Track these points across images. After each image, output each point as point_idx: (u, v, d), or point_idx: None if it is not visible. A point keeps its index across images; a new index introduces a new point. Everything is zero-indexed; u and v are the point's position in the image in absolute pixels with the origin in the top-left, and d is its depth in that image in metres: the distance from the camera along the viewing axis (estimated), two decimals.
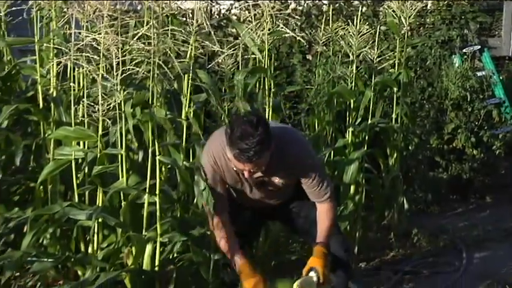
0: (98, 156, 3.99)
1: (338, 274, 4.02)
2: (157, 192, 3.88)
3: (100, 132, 3.95)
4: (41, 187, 4.30)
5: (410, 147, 6.60)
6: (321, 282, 3.66)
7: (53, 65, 4.28)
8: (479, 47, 8.36)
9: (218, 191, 3.76)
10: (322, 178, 3.83)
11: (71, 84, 4.29)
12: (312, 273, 3.69)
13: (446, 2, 10.11)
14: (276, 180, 3.78)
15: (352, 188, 5.35)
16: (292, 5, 9.01)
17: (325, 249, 3.75)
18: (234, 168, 3.62)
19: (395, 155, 5.87)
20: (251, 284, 3.68)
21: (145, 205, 3.91)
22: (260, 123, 3.48)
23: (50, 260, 3.95)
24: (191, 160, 4.27)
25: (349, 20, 5.77)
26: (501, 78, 8.43)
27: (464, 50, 8.08)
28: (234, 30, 7.05)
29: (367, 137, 5.45)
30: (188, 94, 4.22)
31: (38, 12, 4.42)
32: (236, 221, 3.87)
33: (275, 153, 3.62)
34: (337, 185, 5.28)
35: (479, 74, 7.67)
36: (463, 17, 9.21)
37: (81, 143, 4.14)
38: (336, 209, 4.07)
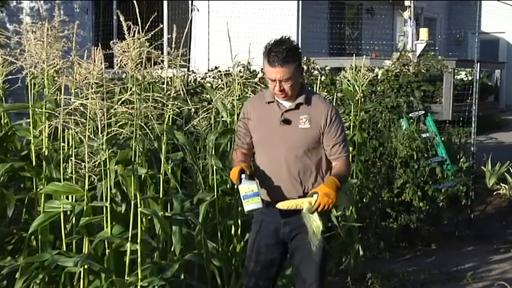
0: (85, 208, 3.93)
1: None
2: (138, 240, 3.82)
3: (86, 187, 3.91)
4: (32, 237, 4.22)
5: (364, 200, 6.62)
6: (312, 207, 3.54)
7: (45, 127, 4.25)
8: (423, 112, 8.45)
9: (243, 133, 3.91)
10: (344, 140, 3.81)
11: (61, 144, 4.23)
12: (314, 197, 3.55)
13: (394, 73, 10.29)
14: (301, 120, 3.74)
15: None
16: (260, 74, 9.09)
17: (337, 180, 3.62)
18: (266, 101, 3.80)
19: (351, 207, 5.84)
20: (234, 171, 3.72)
21: (128, 252, 3.84)
22: (290, 40, 3.72)
23: None
24: (169, 211, 4.21)
25: (310, 88, 5.78)
26: (442, 139, 8.53)
27: (410, 115, 8.15)
28: (208, 96, 7.05)
29: None
30: (166, 152, 4.21)
31: (32, 80, 4.39)
32: None
33: (307, 94, 3.80)
34: None
35: (423, 135, 7.76)
36: (409, 86, 9.35)
37: (70, 196, 4.08)
38: (350, 170, 4.00)
